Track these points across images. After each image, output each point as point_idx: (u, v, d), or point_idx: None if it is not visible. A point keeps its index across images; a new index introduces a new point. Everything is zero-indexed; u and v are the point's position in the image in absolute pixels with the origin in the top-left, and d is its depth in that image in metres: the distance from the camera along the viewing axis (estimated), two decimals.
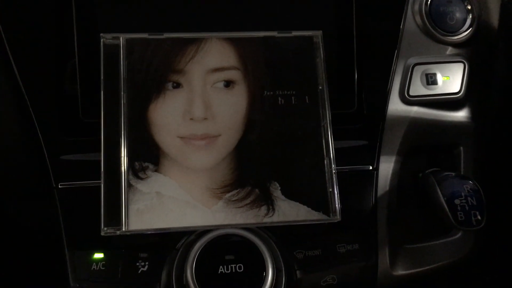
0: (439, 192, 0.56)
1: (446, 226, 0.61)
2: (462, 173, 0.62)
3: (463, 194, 0.55)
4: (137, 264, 0.53)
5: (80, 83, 0.58)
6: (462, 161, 0.63)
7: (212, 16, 0.59)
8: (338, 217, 0.53)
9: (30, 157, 0.56)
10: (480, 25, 0.63)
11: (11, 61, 0.56)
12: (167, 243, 0.54)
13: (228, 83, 0.56)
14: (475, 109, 0.63)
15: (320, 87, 0.56)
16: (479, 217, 0.54)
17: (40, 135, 0.56)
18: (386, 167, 0.61)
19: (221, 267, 0.51)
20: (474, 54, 0.63)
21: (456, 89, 0.62)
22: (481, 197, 0.55)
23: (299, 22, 0.60)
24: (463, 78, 0.62)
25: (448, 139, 0.63)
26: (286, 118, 0.55)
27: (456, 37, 0.62)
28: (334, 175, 0.54)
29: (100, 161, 0.54)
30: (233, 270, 0.51)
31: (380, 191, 0.60)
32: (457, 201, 0.55)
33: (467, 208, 0.54)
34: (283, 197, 0.54)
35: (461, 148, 0.63)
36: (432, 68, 0.62)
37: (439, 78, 0.62)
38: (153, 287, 0.54)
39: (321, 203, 0.54)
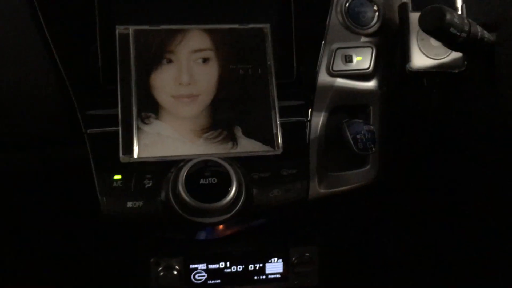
0: (348, 132, 0.73)
1: (357, 159, 0.77)
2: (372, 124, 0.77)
3: (362, 132, 0.72)
4: (144, 182, 0.67)
5: (101, 60, 0.71)
6: (371, 116, 0.78)
7: (194, 13, 0.74)
8: (280, 150, 0.69)
9: (66, 113, 0.70)
10: (384, 21, 0.78)
11: (51, 46, 0.69)
12: (164, 168, 0.67)
13: (205, 60, 0.71)
14: (380, 80, 0.78)
15: (269, 63, 0.72)
16: (372, 147, 0.72)
17: (73, 97, 0.69)
18: (317, 119, 0.75)
19: (201, 180, 0.65)
20: (380, 41, 0.78)
21: (367, 66, 0.77)
22: (374, 134, 0.73)
23: (254, 18, 0.75)
24: (371, 58, 0.77)
25: (361, 101, 0.78)
26: (245, 83, 0.71)
27: (366, 30, 0.77)
28: (278, 122, 0.70)
29: (117, 113, 0.67)
30: (210, 182, 0.65)
31: (312, 136, 0.74)
32: (358, 136, 0.72)
33: (364, 140, 0.71)
34: (243, 136, 0.69)
35: (371, 107, 0.78)
36: (349, 51, 0.76)
37: (354, 58, 0.76)
38: (156, 196, 0.67)
39: (269, 140, 0.69)
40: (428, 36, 0.74)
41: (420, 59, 0.77)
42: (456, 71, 0.76)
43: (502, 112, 0.57)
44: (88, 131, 0.69)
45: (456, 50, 0.70)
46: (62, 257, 0.93)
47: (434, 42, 0.76)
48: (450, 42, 0.66)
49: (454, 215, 0.95)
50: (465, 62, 0.76)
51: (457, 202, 0.93)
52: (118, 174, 0.68)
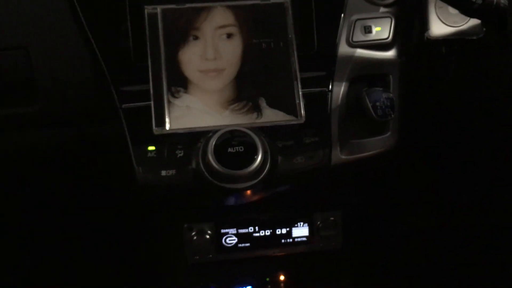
0: (367, 100, 0.74)
1: (376, 126, 0.79)
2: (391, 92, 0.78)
3: (381, 100, 0.73)
4: (176, 151, 0.70)
5: (132, 38, 0.75)
6: (391, 85, 0.79)
7: None
8: (303, 119, 0.71)
9: (102, 89, 0.73)
10: None
11: (86, 28, 0.72)
12: (194, 138, 0.70)
13: (229, 35, 0.73)
14: (399, 50, 0.79)
15: (290, 36, 0.73)
16: (391, 113, 0.74)
17: (107, 75, 0.73)
18: (338, 89, 0.76)
19: (229, 148, 0.68)
20: (398, 12, 0.79)
21: (386, 36, 0.78)
22: (393, 101, 0.74)
23: None
24: (390, 28, 0.78)
25: (381, 70, 0.79)
26: (268, 56, 0.73)
27: (385, 0, 0.78)
28: (300, 92, 0.72)
29: (149, 89, 0.70)
30: (237, 150, 0.68)
31: (333, 105, 0.76)
32: (377, 104, 0.73)
33: (383, 107, 0.73)
34: (267, 107, 0.71)
35: (390, 76, 0.79)
36: (368, 22, 0.78)
37: (373, 29, 0.78)
38: (187, 165, 0.70)
39: (292, 110, 0.72)
40: (446, 4, 0.74)
41: (438, 27, 0.78)
42: (475, 37, 0.77)
43: None
44: (123, 106, 0.73)
45: (472, 17, 0.71)
46: (102, 223, 0.99)
47: (452, 9, 0.77)
48: (465, 9, 0.68)
49: (471, 178, 0.96)
50: (483, 29, 0.77)
51: (474, 166, 0.94)
52: (152, 145, 0.71)
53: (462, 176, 1.01)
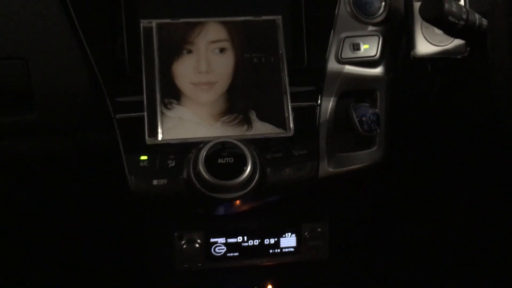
0: (354, 115, 0.76)
1: (363, 140, 0.80)
2: (378, 108, 0.80)
3: (367, 115, 0.75)
4: (168, 162, 0.71)
5: (128, 51, 0.77)
6: (378, 101, 0.81)
7: (212, 7, 0.79)
8: (292, 132, 0.73)
9: (96, 100, 0.74)
10: (390, 10, 0.80)
11: (83, 40, 0.74)
12: (186, 149, 0.71)
13: (222, 50, 0.75)
14: (386, 66, 0.81)
15: (281, 52, 0.75)
16: (376, 128, 0.75)
17: (103, 86, 0.74)
18: (326, 104, 0.77)
19: (219, 159, 0.69)
20: (386, 30, 0.80)
21: (373, 54, 0.79)
22: (379, 117, 0.76)
23: (267, 10, 0.79)
24: (377, 46, 0.79)
25: (368, 86, 0.80)
26: (259, 71, 0.75)
27: (373, 19, 0.79)
28: (290, 106, 0.74)
29: (143, 100, 0.71)
30: (227, 161, 0.69)
31: (322, 119, 0.77)
32: (364, 118, 0.75)
33: (369, 122, 0.74)
34: (257, 119, 0.73)
35: (377, 92, 0.81)
36: (357, 40, 0.79)
37: (362, 46, 0.79)
38: (178, 175, 0.71)
39: (281, 123, 0.73)
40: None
41: (424, 46, 0.80)
42: (459, 57, 0.79)
43: (494, 96, 0.61)
44: (117, 116, 0.74)
45: (455, 37, 0.74)
46: (94, 230, 1.00)
47: (437, 29, 0.78)
48: (449, 30, 0.70)
49: (456, 192, 0.98)
50: (468, 48, 0.79)
51: (460, 179, 0.96)
52: (144, 155, 0.72)
53: (450, 188, 1.02)
